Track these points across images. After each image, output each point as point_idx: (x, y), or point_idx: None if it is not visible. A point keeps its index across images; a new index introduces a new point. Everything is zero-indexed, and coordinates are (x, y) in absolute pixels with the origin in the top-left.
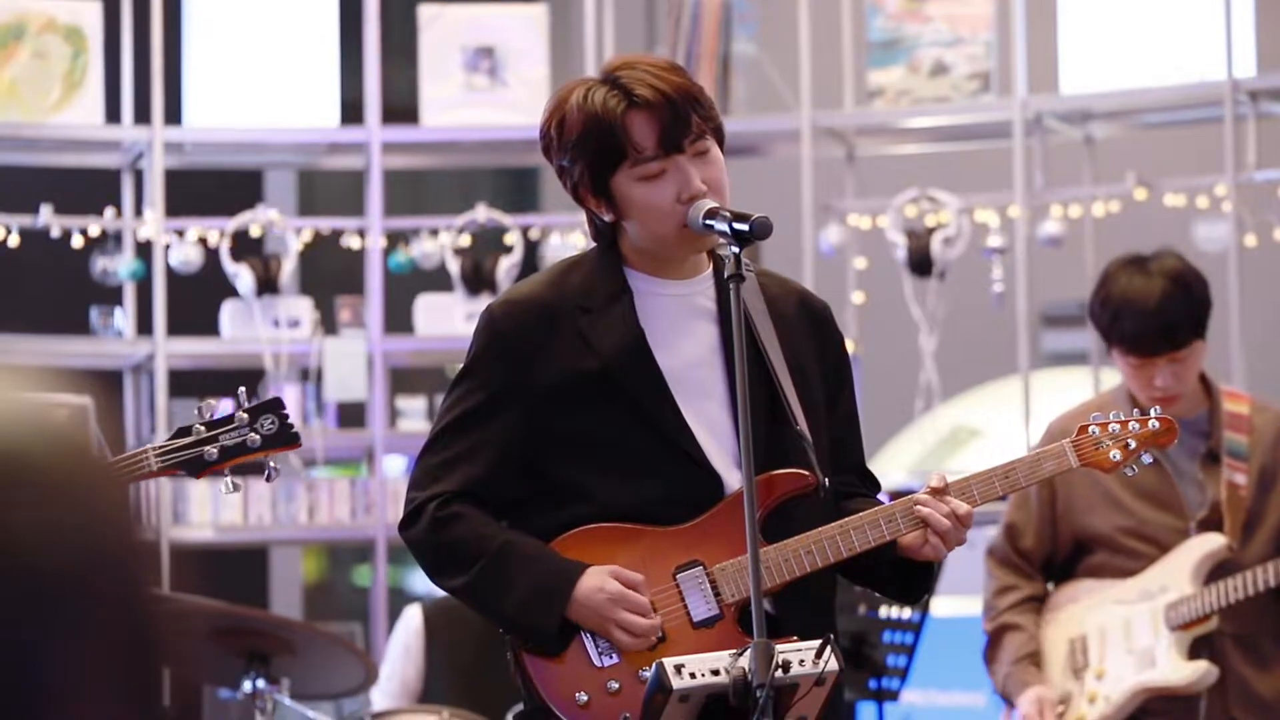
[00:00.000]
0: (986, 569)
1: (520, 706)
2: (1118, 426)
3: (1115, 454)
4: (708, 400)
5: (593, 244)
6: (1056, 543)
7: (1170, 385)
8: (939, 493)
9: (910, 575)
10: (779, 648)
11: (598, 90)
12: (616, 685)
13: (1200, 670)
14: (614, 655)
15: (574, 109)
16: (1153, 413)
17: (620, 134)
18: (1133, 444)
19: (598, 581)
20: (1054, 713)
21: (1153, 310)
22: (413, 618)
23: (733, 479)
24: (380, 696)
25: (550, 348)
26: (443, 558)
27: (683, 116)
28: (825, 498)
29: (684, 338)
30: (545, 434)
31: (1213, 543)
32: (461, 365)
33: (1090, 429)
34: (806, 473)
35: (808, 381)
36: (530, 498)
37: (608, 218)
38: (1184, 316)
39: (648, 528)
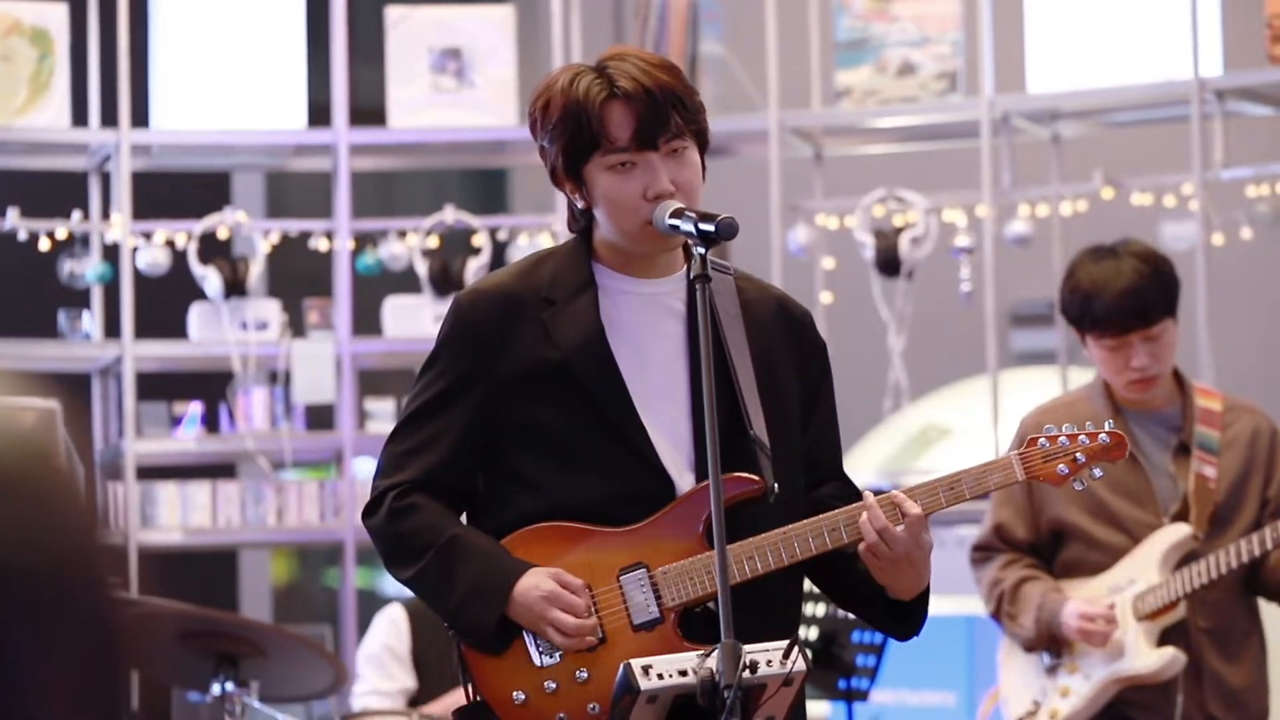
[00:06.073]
0: (977, 568)
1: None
2: (1067, 440)
3: (1063, 468)
4: (668, 402)
5: (568, 236)
6: (1039, 533)
7: (1147, 365)
8: (884, 501)
9: (898, 610)
10: (746, 648)
11: (584, 76)
12: (554, 685)
13: (1166, 657)
14: (554, 655)
15: (559, 92)
16: (1105, 426)
17: (597, 121)
18: (1081, 458)
19: (534, 580)
20: (1103, 607)
21: (1125, 287)
22: (399, 620)
23: (685, 481)
24: (380, 701)
25: (513, 337)
26: (396, 548)
27: (661, 114)
28: (777, 503)
29: (649, 337)
30: (503, 423)
31: (1179, 533)
32: (429, 353)
33: (1039, 441)
34: (755, 478)
35: (779, 388)
36: (487, 489)
37: (581, 204)
38: (1155, 292)
39: (596, 528)
